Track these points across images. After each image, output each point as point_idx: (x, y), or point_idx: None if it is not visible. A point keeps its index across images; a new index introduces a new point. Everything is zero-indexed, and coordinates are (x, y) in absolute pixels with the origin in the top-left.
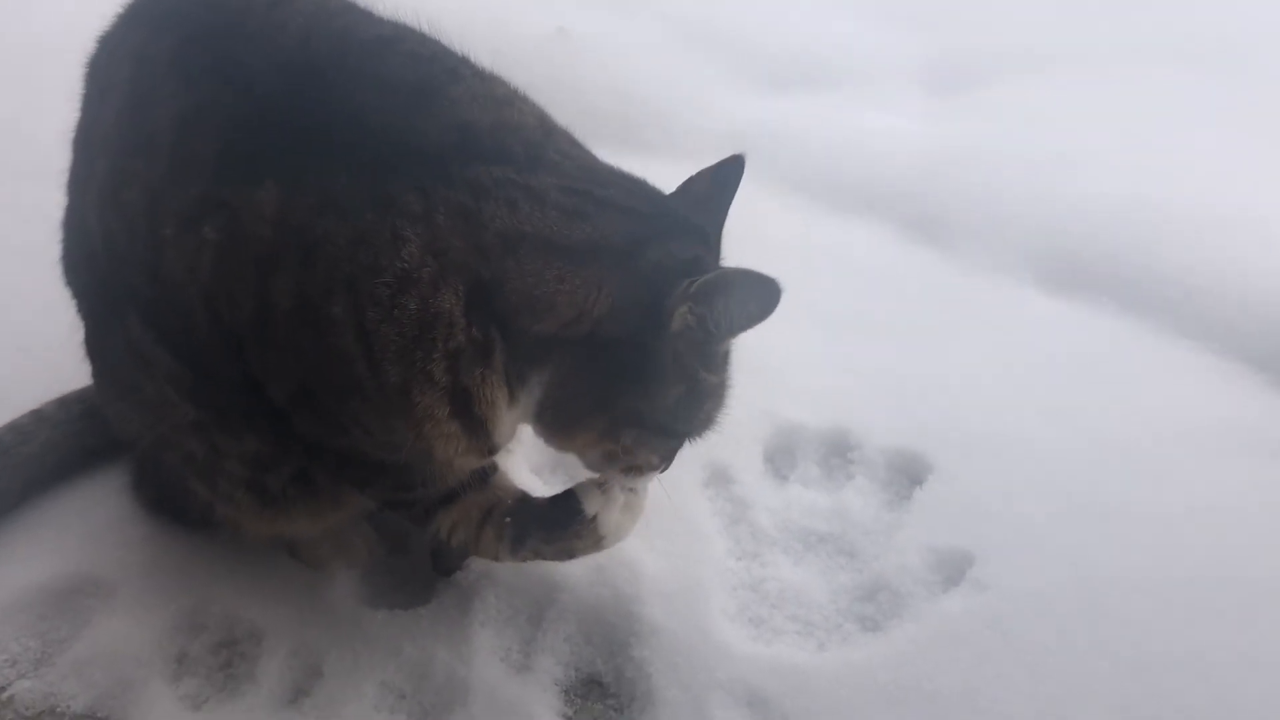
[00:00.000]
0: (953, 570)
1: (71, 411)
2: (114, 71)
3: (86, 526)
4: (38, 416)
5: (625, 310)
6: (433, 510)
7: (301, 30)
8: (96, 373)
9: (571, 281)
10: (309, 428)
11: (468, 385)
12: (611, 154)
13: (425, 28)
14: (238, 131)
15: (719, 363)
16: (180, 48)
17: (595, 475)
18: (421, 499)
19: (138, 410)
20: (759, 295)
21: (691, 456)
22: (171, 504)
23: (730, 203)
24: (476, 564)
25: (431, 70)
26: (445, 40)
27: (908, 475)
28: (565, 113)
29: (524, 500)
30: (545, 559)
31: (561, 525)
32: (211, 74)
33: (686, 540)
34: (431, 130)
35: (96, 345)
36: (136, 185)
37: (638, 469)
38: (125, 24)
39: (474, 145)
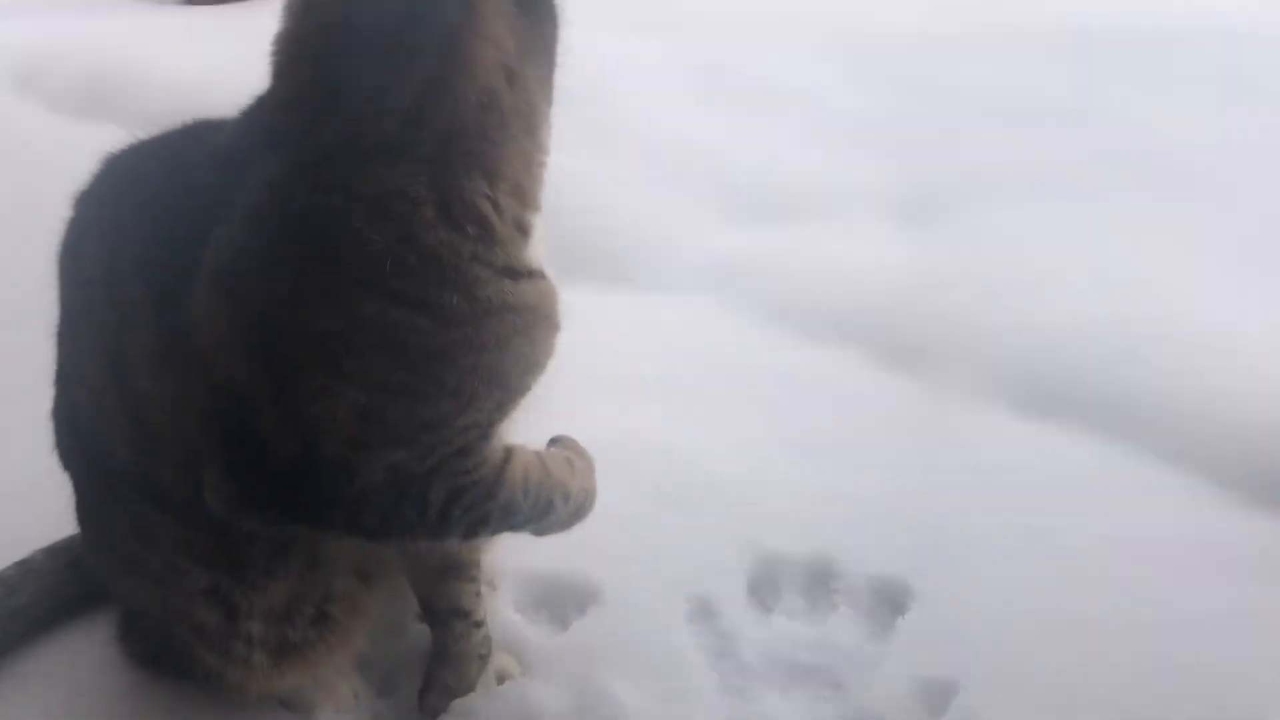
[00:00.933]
0: (938, 699)
1: (59, 561)
2: (63, 262)
3: (72, 678)
4: (24, 568)
5: None
6: (503, 466)
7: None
8: (97, 558)
9: None
10: (380, 471)
11: (512, 264)
12: (595, 287)
13: None
14: (160, 246)
15: None
16: (101, 208)
17: None
18: (492, 456)
19: (144, 586)
20: None
21: (675, 589)
22: (176, 671)
23: None
24: (459, 705)
25: None
26: None
27: (891, 603)
28: (548, 247)
29: None
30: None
31: None
32: (130, 211)
33: (671, 676)
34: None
35: (96, 529)
36: (95, 356)
37: None
38: (70, 217)
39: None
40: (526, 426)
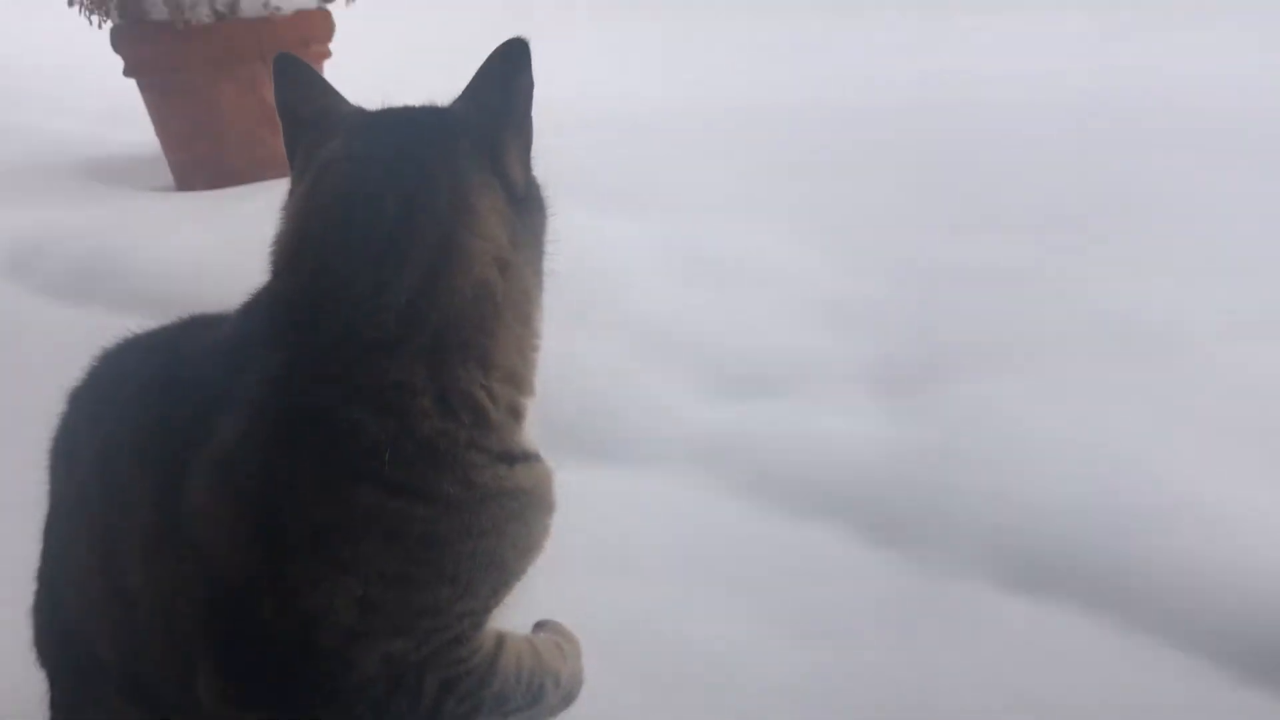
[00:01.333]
0: None
1: None
2: (55, 457)
3: None
4: None
5: None
6: (496, 654)
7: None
8: None
9: None
10: (376, 662)
11: (507, 448)
12: (579, 464)
13: None
14: (157, 438)
15: None
16: (97, 402)
17: None
18: (485, 644)
19: None
20: None
21: None
22: None
23: None
24: None
25: None
26: None
27: None
28: (535, 428)
29: None
30: None
31: None
32: (126, 404)
33: None
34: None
35: None
36: (84, 550)
37: None
38: (64, 412)
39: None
40: (512, 608)
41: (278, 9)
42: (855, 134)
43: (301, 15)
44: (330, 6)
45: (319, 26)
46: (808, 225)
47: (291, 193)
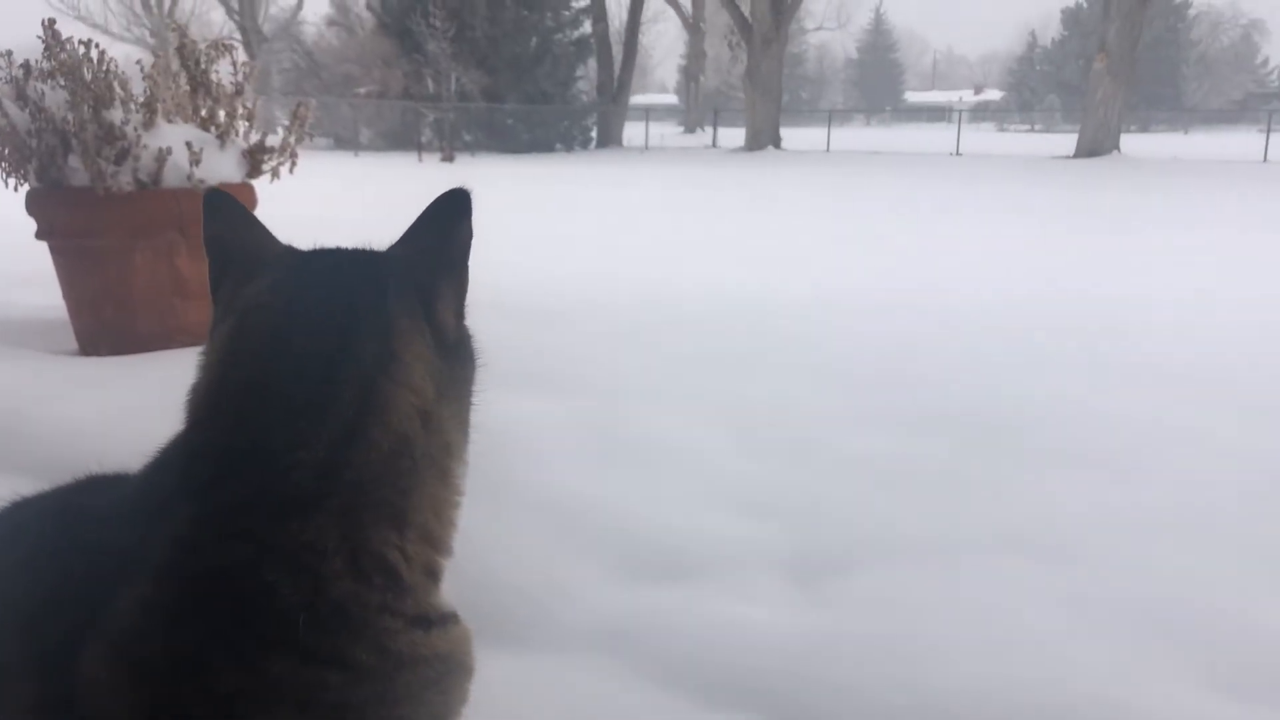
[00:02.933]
0: None
1: None
2: None
3: None
4: None
5: None
6: None
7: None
8: None
9: None
10: None
11: (423, 611)
12: (484, 650)
13: None
14: (45, 605)
15: None
16: None
17: None
18: None
19: None
20: None
21: None
22: None
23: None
24: None
25: None
26: None
27: None
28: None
29: None
30: None
31: None
32: (11, 569)
33: None
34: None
35: None
36: None
37: None
38: None
39: None
40: None
41: (201, 181)
42: (778, 328)
43: (225, 187)
44: (254, 181)
45: (242, 200)
46: (720, 415)
47: (213, 335)
